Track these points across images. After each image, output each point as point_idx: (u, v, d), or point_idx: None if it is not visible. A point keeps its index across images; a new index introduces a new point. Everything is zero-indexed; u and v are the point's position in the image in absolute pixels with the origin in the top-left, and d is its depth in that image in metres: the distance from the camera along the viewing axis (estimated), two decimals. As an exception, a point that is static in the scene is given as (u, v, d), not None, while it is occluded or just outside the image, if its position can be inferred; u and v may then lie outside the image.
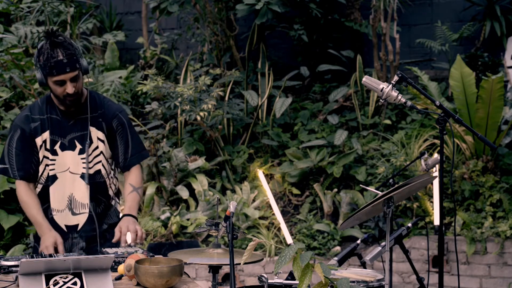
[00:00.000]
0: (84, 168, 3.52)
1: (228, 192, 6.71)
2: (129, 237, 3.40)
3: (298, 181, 6.85)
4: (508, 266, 5.88)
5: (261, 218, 6.52)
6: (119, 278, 2.92)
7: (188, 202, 6.66)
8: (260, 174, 4.88)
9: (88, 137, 3.52)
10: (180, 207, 6.56)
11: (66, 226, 3.52)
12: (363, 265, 3.88)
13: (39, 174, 3.53)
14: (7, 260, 2.95)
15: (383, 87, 3.27)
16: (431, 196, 6.30)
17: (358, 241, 3.99)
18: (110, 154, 3.60)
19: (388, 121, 7.07)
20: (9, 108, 7.56)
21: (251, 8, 7.03)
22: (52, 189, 3.51)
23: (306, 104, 7.72)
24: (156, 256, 3.10)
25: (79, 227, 3.53)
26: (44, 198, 3.53)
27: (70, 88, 3.37)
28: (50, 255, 3.30)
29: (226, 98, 7.27)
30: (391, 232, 3.80)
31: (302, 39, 7.91)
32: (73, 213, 3.53)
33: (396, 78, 3.26)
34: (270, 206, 6.50)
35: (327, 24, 8.12)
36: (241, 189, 6.67)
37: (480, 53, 7.52)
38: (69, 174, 3.51)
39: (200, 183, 6.63)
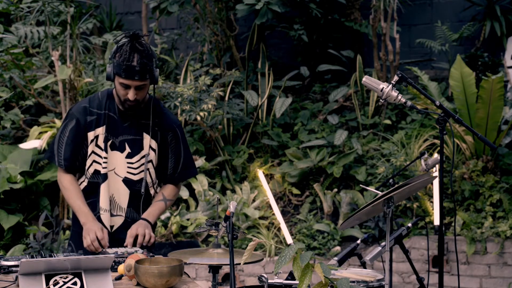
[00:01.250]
0: (128, 172, 3.49)
1: (228, 192, 6.71)
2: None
3: (298, 181, 6.85)
4: (508, 266, 5.88)
5: (261, 218, 6.52)
6: (119, 278, 2.92)
7: (188, 202, 6.67)
8: (260, 174, 4.86)
9: (140, 143, 3.49)
10: (180, 207, 6.56)
11: (110, 226, 3.51)
12: (363, 265, 3.87)
13: (86, 168, 3.49)
14: (7, 260, 2.95)
15: (383, 87, 3.26)
16: (431, 196, 6.30)
17: (358, 241, 3.99)
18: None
19: (388, 121, 7.07)
20: (9, 108, 7.56)
21: (251, 8, 7.03)
22: (102, 187, 3.48)
23: (306, 104, 7.72)
24: (156, 256, 3.10)
25: (114, 228, 3.52)
26: (91, 194, 3.50)
27: (131, 95, 3.35)
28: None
29: (226, 98, 7.27)
30: (391, 232, 3.80)
31: (302, 39, 7.91)
32: (111, 214, 3.51)
33: (396, 78, 3.26)
34: (270, 206, 6.50)
35: (327, 24, 8.12)
36: (241, 189, 6.67)
37: (480, 53, 7.52)
38: (114, 175, 3.48)
39: (200, 183, 6.63)
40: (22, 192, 6.43)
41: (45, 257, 2.94)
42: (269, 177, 6.90)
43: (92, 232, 3.34)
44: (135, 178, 3.50)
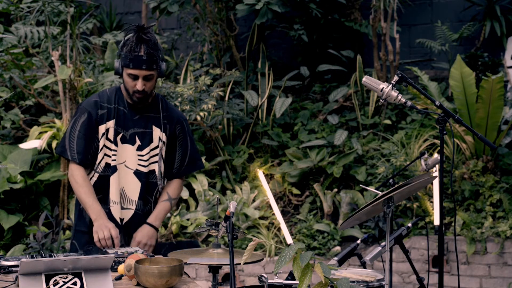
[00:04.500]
0: (139, 165, 3.53)
1: (228, 192, 6.71)
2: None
3: (298, 181, 6.85)
4: (508, 266, 5.88)
5: (261, 218, 6.52)
6: (119, 278, 2.92)
7: (188, 202, 6.66)
8: (260, 174, 4.87)
9: (150, 135, 3.54)
10: (180, 207, 6.56)
11: (119, 218, 3.54)
12: (363, 265, 3.87)
13: (97, 162, 3.52)
14: (7, 260, 2.95)
15: (383, 87, 3.26)
16: (431, 196, 6.30)
17: (358, 241, 3.99)
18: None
19: (388, 121, 7.07)
20: (9, 108, 7.56)
21: (251, 8, 7.03)
22: (112, 179, 3.51)
23: (306, 104, 7.72)
24: (156, 256, 3.10)
25: (124, 221, 3.54)
26: (102, 188, 3.52)
27: (140, 85, 3.41)
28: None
29: (226, 98, 7.27)
30: (391, 232, 3.80)
31: (302, 39, 7.91)
32: (122, 207, 3.54)
33: (396, 78, 3.26)
34: (270, 206, 6.50)
35: (327, 24, 8.12)
36: (241, 189, 6.67)
37: (480, 53, 7.52)
38: (125, 168, 3.53)
39: (200, 183, 6.63)
40: (22, 192, 6.42)
41: (45, 257, 2.94)
42: (269, 177, 6.90)
43: (106, 229, 3.35)
44: (145, 170, 3.54)
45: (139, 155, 3.53)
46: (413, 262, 4.23)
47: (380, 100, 3.32)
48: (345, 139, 6.80)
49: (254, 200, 6.60)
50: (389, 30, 7.28)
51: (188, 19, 8.48)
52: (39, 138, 6.45)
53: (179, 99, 6.75)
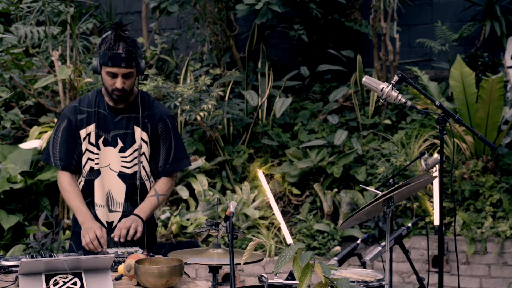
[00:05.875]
0: (122, 167, 3.52)
1: (228, 192, 6.71)
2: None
3: (298, 181, 6.85)
4: (508, 266, 5.88)
5: (261, 218, 6.52)
6: (119, 278, 2.92)
7: (188, 202, 6.66)
8: (260, 174, 4.87)
9: (132, 136, 3.51)
10: (180, 207, 6.56)
11: (106, 222, 3.53)
12: (363, 265, 3.87)
13: (82, 166, 3.52)
14: (7, 260, 2.95)
15: (383, 87, 3.26)
16: (431, 196, 6.30)
17: (358, 241, 3.99)
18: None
19: (388, 121, 7.07)
20: (9, 108, 7.56)
21: (251, 8, 7.03)
22: (96, 183, 3.51)
23: (306, 104, 7.72)
24: (156, 256, 3.10)
25: (113, 224, 3.53)
26: (89, 192, 3.53)
27: (119, 83, 3.38)
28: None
29: (226, 98, 7.26)
30: (391, 232, 3.80)
31: (302, 39, 7.91)
32: (109, 210, 3.54)
33: (396, 78, 3.26)
34: (270, 206, 6.50)
35: (327, 24, 8.12)
36: (241, 189, 6.67)
37: (480, 53, 7.52)
38: (109, 171, 3.51)
39: (200, 183, 6.63)
40: (22, 192, 6.42)
41: (45, 257, 2.94)
42: (269, 177, 6.90)
43: (91, 231, 3.35)
44: (129, 171, 3.52)
45: (122, 157, 3.51)
46: (413, 262, 4.23)
47: (380, 100, 3.32)
48: (345, 139, 6.80)
49: (254, 200, 6.60)
50: (389, 30, 7.29)
51: (188, 19, 8.48)
52: (39, 138, 6.45)
53: (179, 99, 6.75)
